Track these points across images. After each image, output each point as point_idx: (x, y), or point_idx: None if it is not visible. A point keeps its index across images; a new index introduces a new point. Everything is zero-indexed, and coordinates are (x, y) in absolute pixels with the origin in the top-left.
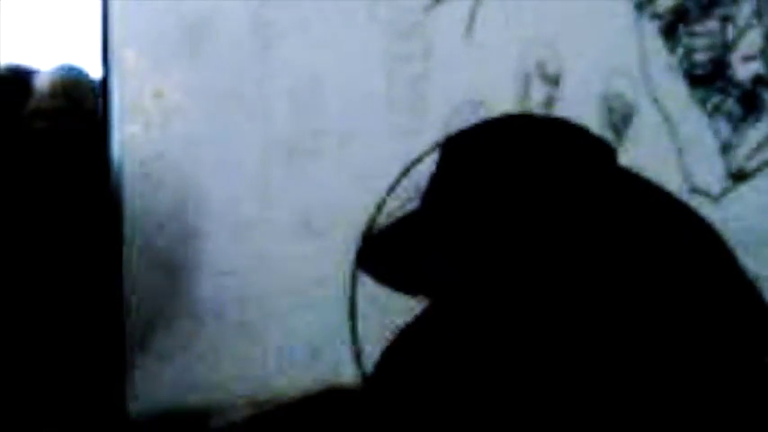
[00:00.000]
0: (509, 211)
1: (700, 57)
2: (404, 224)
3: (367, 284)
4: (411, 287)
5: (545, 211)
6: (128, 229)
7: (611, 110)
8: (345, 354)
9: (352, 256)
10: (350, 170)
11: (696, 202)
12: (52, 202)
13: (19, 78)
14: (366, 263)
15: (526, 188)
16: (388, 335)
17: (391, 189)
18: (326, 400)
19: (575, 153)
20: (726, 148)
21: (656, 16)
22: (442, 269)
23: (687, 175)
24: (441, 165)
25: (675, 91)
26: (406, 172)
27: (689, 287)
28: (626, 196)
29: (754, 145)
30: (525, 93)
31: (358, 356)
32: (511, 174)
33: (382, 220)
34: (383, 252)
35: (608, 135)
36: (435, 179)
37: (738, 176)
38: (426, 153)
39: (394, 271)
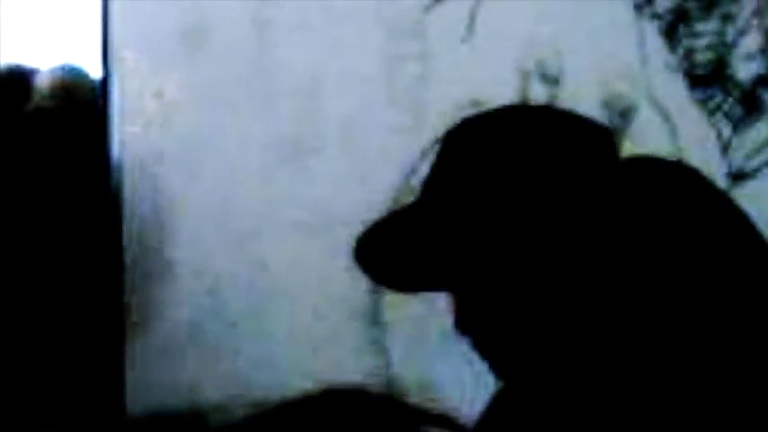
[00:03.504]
0: (510, 201)
1: (700, 57)
2: (402, 217)
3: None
4: (409, 284)
5: (546, 201)
6: (128, 229)
7: (611, 110)
8: (345, 354)
9: (351, 255)
10: (350, 169)
11: None
12: (52, 202)
13: (19, 78)
14: (362, 259)
15: (527, 179)
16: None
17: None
18: (326, 400)
19: (575, 142)
20: (726, 148)
21: (656, 16)
22: (444, 263)
23: None
24: (440, 157)
25: (675, 91)
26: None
27: (714, 279)
28: (630, 186)
29: (754, 145)
30: (525, 93)
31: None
32: (512, 164)
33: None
34: (381, 248)
35: None
36: (434, 171)
37: (738, 176)
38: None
39: (392, 267)
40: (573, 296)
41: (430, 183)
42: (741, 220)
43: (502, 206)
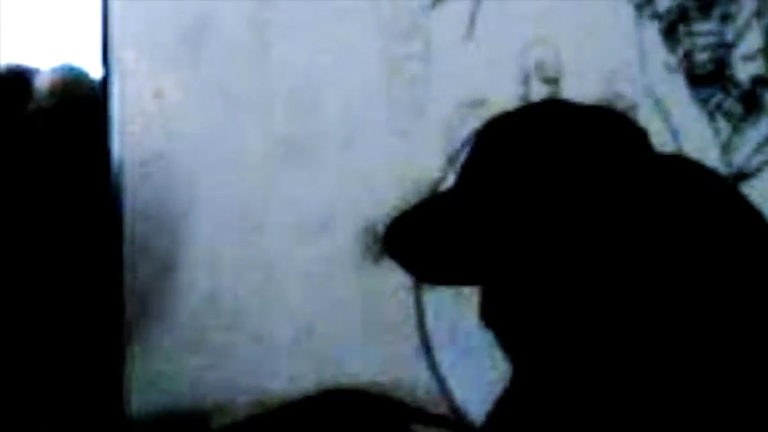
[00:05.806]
0: (546, 196)
1: (700, 57)
2: (433, 209)
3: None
4: (441, 276)
5: (582, 196)
6: (128, 229)
7: None
8: (346, 354)
9: (351, 255)
10: (350, 170)
11: None
12: (52, 202)
13: (19, 78)
14: (394, 249)
15: (564, 173)
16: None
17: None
18: (326, 400)
19: (613, 139)
20: (726, 148)
21: (656, 16)
22: (476, 255)
23: None
24: (476, 149)
25: (675, 91)
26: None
27: (738, 276)
28: (667, 182)
29: (754, 145)
30: (525, 93)
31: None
32: (548, 159)
33: None
34: (413, 238)
35: None
36: (470, 162)
37: (738, 176)
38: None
39: (424, 259)
40: (603, 294)
41: (463, 176)
42: (758, 219)
43: (536, 201)
